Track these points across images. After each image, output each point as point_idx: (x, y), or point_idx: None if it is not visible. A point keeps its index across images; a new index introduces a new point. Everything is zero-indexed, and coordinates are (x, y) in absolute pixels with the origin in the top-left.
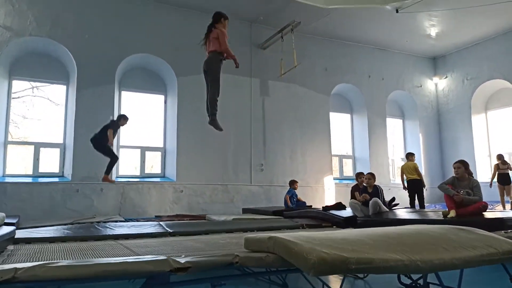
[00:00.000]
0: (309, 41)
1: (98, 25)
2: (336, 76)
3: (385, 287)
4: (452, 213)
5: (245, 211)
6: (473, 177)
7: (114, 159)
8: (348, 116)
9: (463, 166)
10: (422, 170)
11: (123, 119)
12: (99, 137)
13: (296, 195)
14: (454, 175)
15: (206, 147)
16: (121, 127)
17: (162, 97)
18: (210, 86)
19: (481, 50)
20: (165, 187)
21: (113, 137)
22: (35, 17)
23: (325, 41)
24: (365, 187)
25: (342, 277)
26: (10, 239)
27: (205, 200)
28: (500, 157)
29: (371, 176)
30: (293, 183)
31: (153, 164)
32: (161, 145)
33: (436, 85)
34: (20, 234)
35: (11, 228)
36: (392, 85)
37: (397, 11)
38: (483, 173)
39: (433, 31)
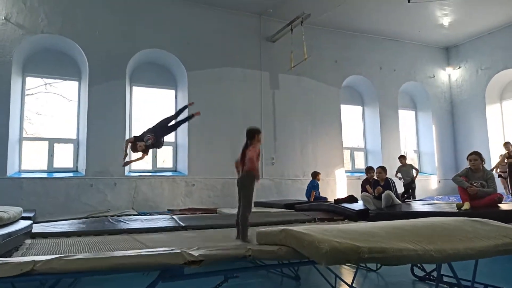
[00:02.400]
0: (319, 33)
1: (109, 21)
2: (347, 68)
3: (398, 279)
4: (467, 205)
5: (256, 204)
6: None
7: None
8: (359, 108)
9: (479, 158)
10: (435, 162)
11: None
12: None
13: (319, 187)
14: (468, 166)
15: (217, 141)
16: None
17: (172, 92)
18: (242, 202)
19: (495, 39)
20: (177, 181)
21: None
22: (46, 15)
23: (336, 33)
24: (376, 181)
25: (354, 270)
26: (27, 233)
27: (216, 193)
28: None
29: (382, 169)
30: (316, 175)
31: (165, 159)
32: (173, 140)
33: (449, 75)
34: (36, 228)
35: (28, 222)
36: (404, 76)
37: (408, 1)
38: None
39: (445, 21)
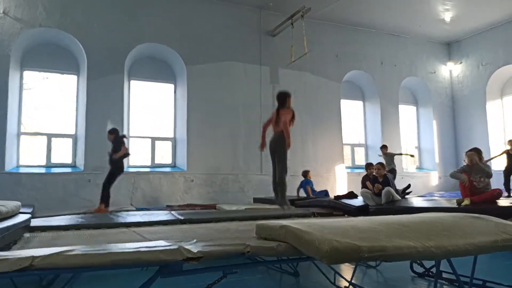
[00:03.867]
0: (320, 28)
1: (107, 14)
2: (347, 62)
3: (398, 275)
4: (467, 201)
5: (256, 200)
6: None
7: (107, 190)
8: (360, 103)
9: (477, 154)
10: (436, 158)
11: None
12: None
13: (313, 184)
14: (467, 163)
15: (216, 136)
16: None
17: (171, 86)
18: (278, 165)
19: (497, 34)
20: (176, 176)
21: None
22: (45, 8)
23: (336, 27)
24: (375, 177)
25: (354, 266)
26: (26, 227)
27: (215, 189)
28: None
29: (381, 166)
30: (307, 173)
31: (163, 154)
32: (171, 135)
33: (451, 71)
34: (35, 222)
35: (27, 216)
36: (405, 72)
37: None
38: (498, 160)
39: (447, 16)
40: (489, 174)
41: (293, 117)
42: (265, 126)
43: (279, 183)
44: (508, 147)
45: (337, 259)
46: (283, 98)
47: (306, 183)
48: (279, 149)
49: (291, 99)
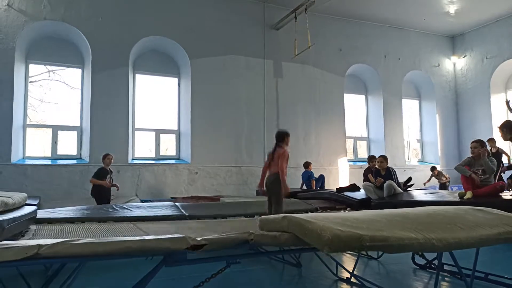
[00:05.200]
0: (323, 21)
1: (111, 7)
2: (351, 56)
3: (399, 267)
4: (469, 194)
5: (259, 193)
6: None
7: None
8: (363, 97)
9: (480, 146)
10: (438, 152)
11: (105, 158)
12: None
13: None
14: (471, 155)
15: (220, 129)
16: (108, 166)
17: (175, 80)
18: (274, 205)
19: (502, 27)
20: (180, 169)
21: (104, 180)
22: (49, 1)
23: (340, 21)
24: (377, 170)
25: (356, 258)
26: (32, 218)
27: (219, 182)
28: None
29: (383, 159)
30: (309, 165)
31: (168, 147)
32: (176, 128)
33: (455, 64)
34: (41, 214)
35: (33, 208)
36: (409, 65)
37: None
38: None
39: (451, 9)
40: (489, 170)
41: (286, 159)
42: (264, 168)
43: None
44: (490, 146)
45: (338, 247)
46: (281, 137)
47: (308, 174)
48: (275, 192)
49: (289, 139)
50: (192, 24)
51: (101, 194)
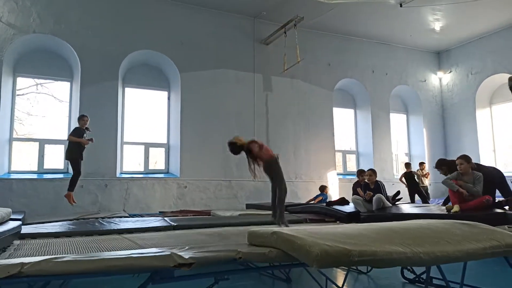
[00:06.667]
0: (313, 36)
1: (101, 21)
2: (339, 71)
3: (389, 282)
4: (456, 208)
5: (249, 206)
6: (477, 171)
7: (76, 174)
8: (351, 111)
9: (466, 162)
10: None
11: (80, 119)
12: (69, 148)
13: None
14: (458, 170)
15: (210, 143)
16: (84, 127)
17: (165, 93)
18: (277, 187)
19: (486, 44)
20: (169, 183)
21: (82, 138)
22: (39, 14)
23: (329, 36)
24: (366, 184)
25: (345, 272)
26: (16, 234)
27: (208, 195)
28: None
29: (372, 172)
30: (324, 188)
31: (157, 160)
32: (165, 141)
33: (440, 79)
34: (26, 229)
35: (17, 223)
36: (396, 80)
37: (400, 5)
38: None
39: (437, 25)
40: (473, 188)
41: (261, 146)
42: (250, 171)
43: (278, 204)
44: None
45: (327, 262)
46: (236, 149)
47: (324, 197)
48: (274, 173)
49: (252, 145)
50: (182, 38)
51: (76, 151)
